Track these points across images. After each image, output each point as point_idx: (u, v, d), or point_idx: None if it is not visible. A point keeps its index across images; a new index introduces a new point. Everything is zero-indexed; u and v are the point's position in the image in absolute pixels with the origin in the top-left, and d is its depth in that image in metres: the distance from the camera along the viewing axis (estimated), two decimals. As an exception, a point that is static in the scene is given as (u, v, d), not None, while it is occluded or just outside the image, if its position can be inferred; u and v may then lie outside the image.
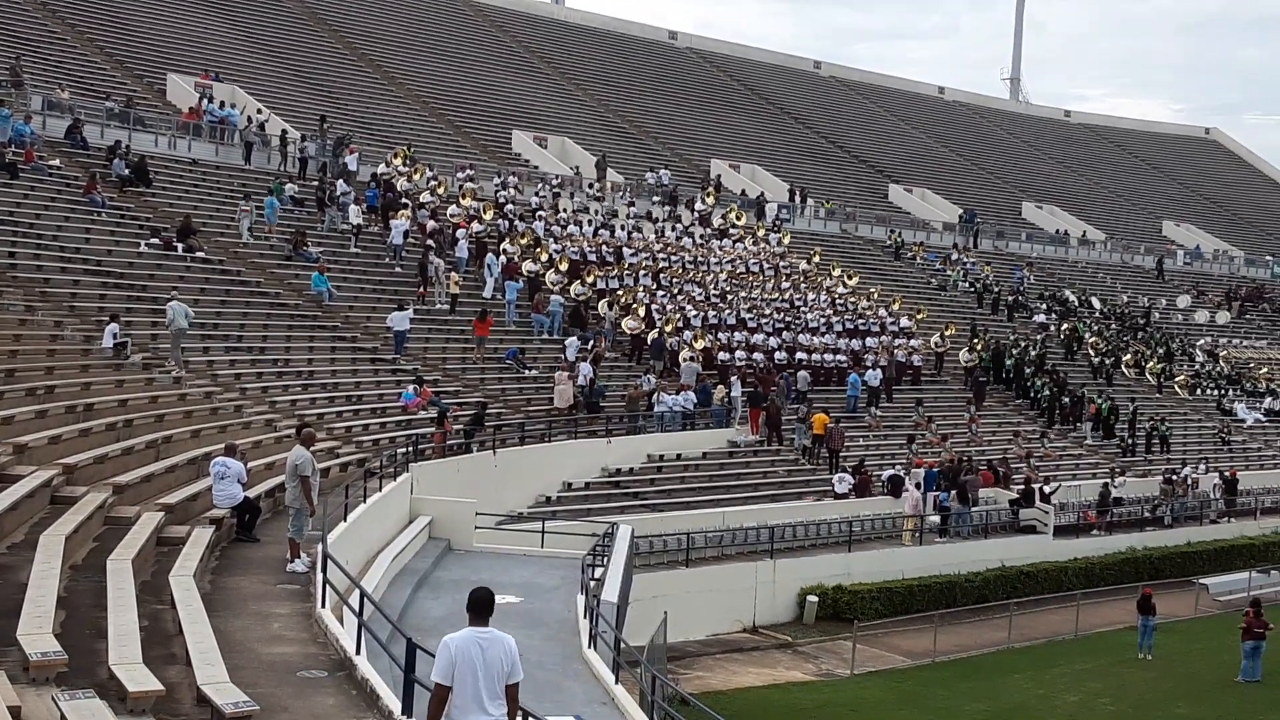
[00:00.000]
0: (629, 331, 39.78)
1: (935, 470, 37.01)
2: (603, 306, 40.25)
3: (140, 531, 15.63)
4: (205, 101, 42.57)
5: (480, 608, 8.51)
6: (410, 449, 25.17)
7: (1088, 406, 47.30)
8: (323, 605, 14.17)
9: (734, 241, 49.13)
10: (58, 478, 17.23)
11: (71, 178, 34.27)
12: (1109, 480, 42.12)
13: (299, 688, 11.74)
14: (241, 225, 35.61)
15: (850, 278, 50.34)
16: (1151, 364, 55.12)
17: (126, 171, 35.77)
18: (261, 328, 31.97)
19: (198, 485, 19.31)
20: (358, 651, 12.52)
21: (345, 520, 18.50)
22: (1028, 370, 48.88)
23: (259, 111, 44.68)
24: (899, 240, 59.90)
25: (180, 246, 33.10)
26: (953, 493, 36.05)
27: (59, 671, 10.04)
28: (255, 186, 39.48)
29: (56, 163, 34.52)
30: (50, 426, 19.54)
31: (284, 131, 42.98)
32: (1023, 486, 38.17)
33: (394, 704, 10.93)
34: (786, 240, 51.71)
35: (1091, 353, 53.85)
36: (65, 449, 18.88)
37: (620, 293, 40.76)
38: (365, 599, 13.08)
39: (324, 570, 14.30)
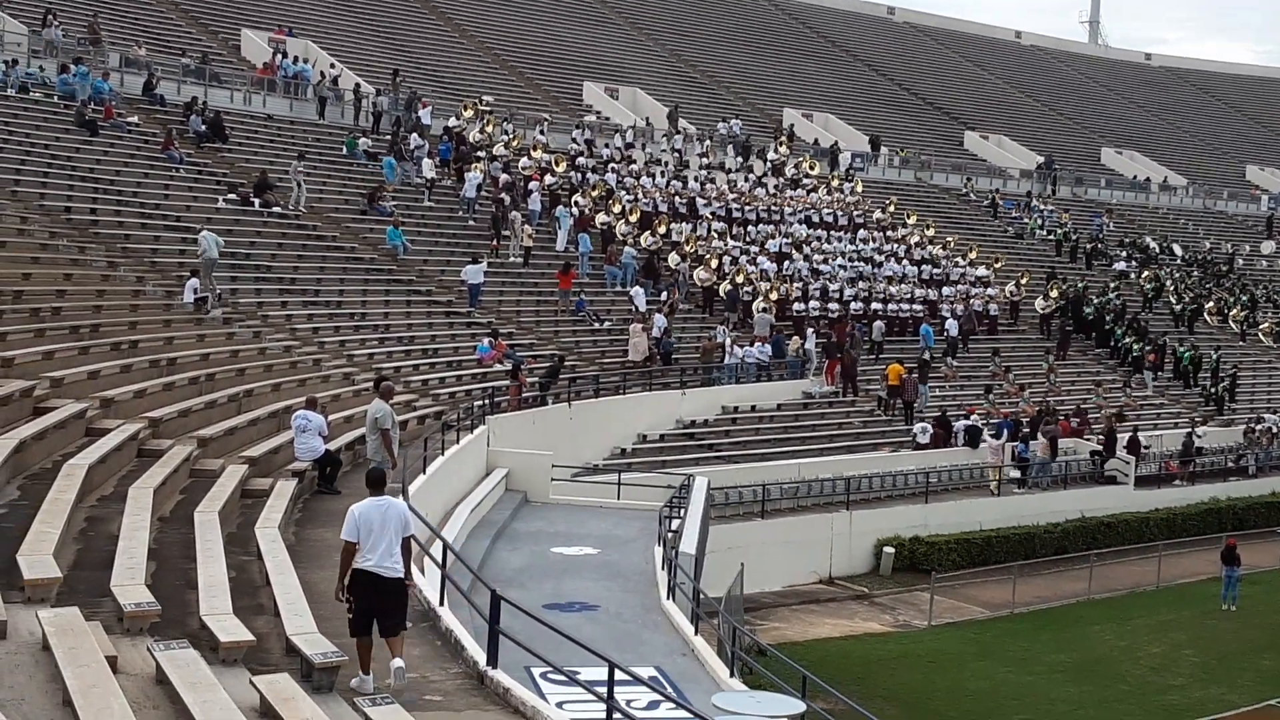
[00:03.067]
0: (700, 283, 39.64)
1: (1010, 421, 36.63)
2: (673, 258, 40.11)
3: (225, 484, 15.85)
4: (279, 57, 42.75)
5: (375, 483, 10.84)
6: (486, 401, 25.33)
7: (1146, 356, 46.46)
8: (405, 557, 14.28)
9: (808, 191, 48.69)
10: (144, 431, 17.51)
11: (149, 134, 34.63)
12: (1191, 430, 41.48)
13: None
14: (297, 189, 34.29)
15: (928, 227, 49.77)
16: (1235, 312, 54.06)
17: (203, 127, 36.08)
18: (338, 282, 32.22)
19: (279, 438, 19.53)
20: (441, 602, 12.64)
21: (424, 472, 18.68)
22: (1108, 319, 48.12)
23: (332, 66, 44.79)
24: (995, 196, 58.80)
25: (257, 202, 33.39)
26: (1038, 443, 35.67)
27: (152, 622, 10.20)
28: (330, 141, 39.75)
29: (135, 119, 34.88)
30: (135, 381, 19.85)
31: (357, 86, 43.11)
32: (1104, 436, 37.69)
33: (479, 654, 11.01)
34: (860, 189, 51.16)
35: (1173, 300, 52.90)
36: (150, 403, 19.18)
37: (690, 243, 40.54)
38: (448, 550, 13.17)
39: (406, 522, 14.40)
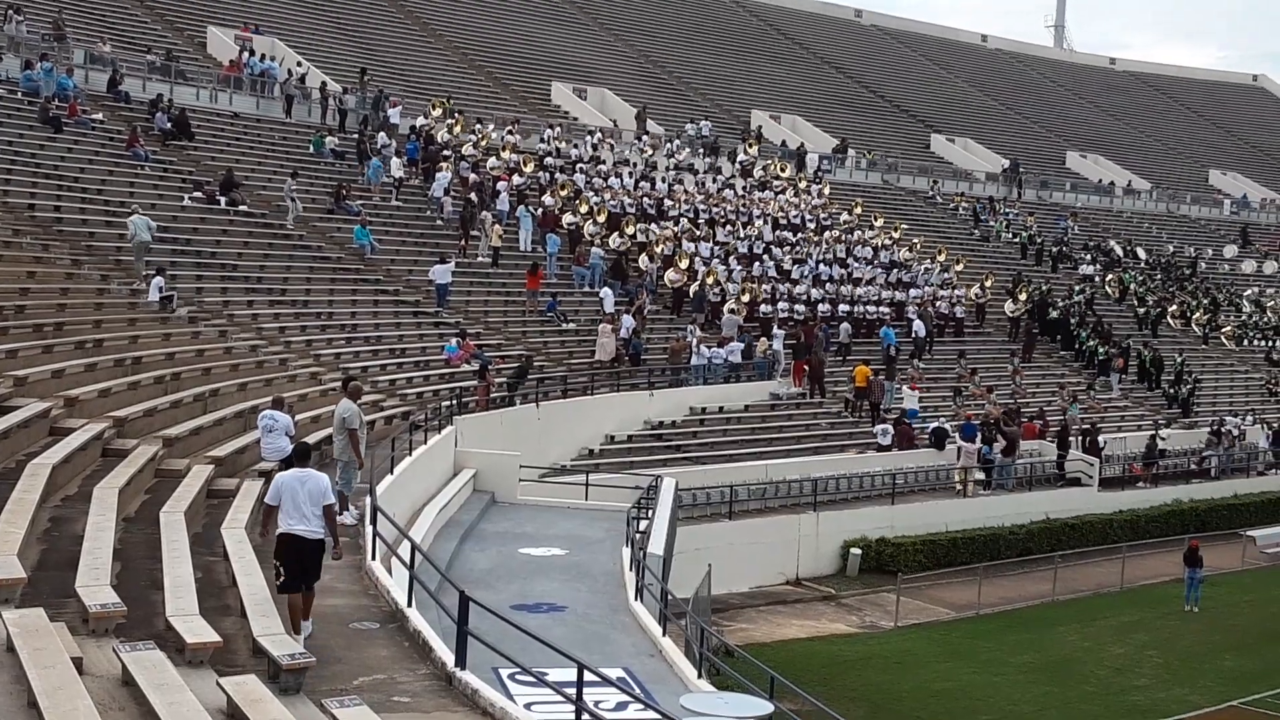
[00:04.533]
0: (670, 284, 39.65)
1: (975, 423, 36.80)
2: (643, 260, 40.11)
3: (191, 484, 15.76)
4: (246, 55, 42.51)
5: (301, 456, 12.38)
6: (454, 402, 25.26)
7: (1114, 360, 46.86)
8: (373, 557, 14.27)
9: (775, 193, 48.79)
10: (108, 431, 17.39)
11: (114, 131, 34.36)
12: (1155, 432, 41.79)
13: (352, 639, 11.83)
14: (290, 207, 34.19)
15: (895, 229, 49.98)
16: (1197, 315, 54.53)
17: (169, 125, 35.85)
18: (305, 281, 32.08)
19: (245, 438, 19.44)
20: (409, 603, 12.59)
21: (392, 473, 18.62)
22: (1073, 322, 48.45)
23: (299, 64, 44.59)
24: (975, 204, 58.92)
25: (223, 200, 33.20)
26: (997, 445, 35.88)
27: (118, 623, 10.13)
28: (297, 140, 39.55)
29: (100, 116, 34.61)
30: (100, 380, 19.72)
31: (324, 84, 42.92)
32: (1059, 431, 37.97)
33: (447, 656, 10.98)
34: (827, 191, 51.31)
35: (1136, 303, 53.35)
36: (114, 402, 19.05)
37: (659, 245, 40.55)
38: (416, 551, 13.13)
39: (373, 523, 14.38)
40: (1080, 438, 38.38)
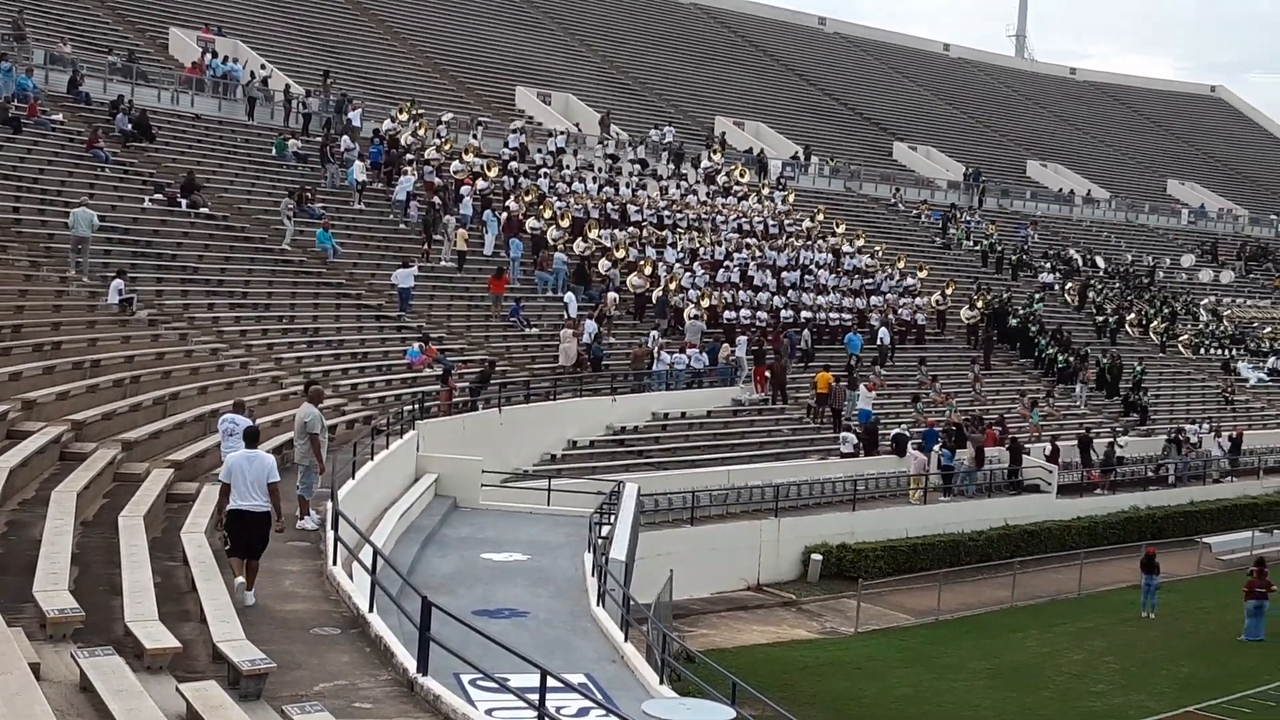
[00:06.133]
0: (633, 290, 39.67)
1: (936, 430, 37.00)
2: (603, 264, 40.07)
3: (150, 488, 15.66)
4: (208, 56, 42.26)
5: (250, 438, 13.64)
6: (416, 407, 25.19)
7: (1084, 369, 47.24)
8: (334, 563, 14.21)
9: (738, 199, 48.90)
10: (66, 434, 17.27)
11: (74, 132, 34.09)
12: (1112, 440, 42.13)
13: (313, 645, 11.78)
14: (287, 227, 33.99)
15: (858, 237, 50.20)
16: (1155, 324, 55.01)
17: (129, 126, 35.58)
18: (266, 284, 31.94)
19: (205, 442, 19.33)
20: (370, 609, 12.54)
21: (353, 478, 18.54)
22: (1032, 329, 48.80)
23: (262, 67, 44.37)
24: (955, 216, 58.96)
25: (184, 202, 32.99)
26: (965, 451, 36.17)
27: (76, 628, 10.05)
28: (259, 142, 39.34)
29: (59, 117, 34.33)
30: (58, 383, 19.56)
31: (287, 87, 42.71)
32: (1011, 440, 38.29)
33: (409, 661, 10.95)
34: (790, 198, 51.47)
35: (1094, 311, 53.82)
36: (73, 405, 18.90)
37: (621, 249, 40.55)
38: (377, 556, 13.09)
39: (335, 528, 14.32)
40: (1079, 445, 38.96)
